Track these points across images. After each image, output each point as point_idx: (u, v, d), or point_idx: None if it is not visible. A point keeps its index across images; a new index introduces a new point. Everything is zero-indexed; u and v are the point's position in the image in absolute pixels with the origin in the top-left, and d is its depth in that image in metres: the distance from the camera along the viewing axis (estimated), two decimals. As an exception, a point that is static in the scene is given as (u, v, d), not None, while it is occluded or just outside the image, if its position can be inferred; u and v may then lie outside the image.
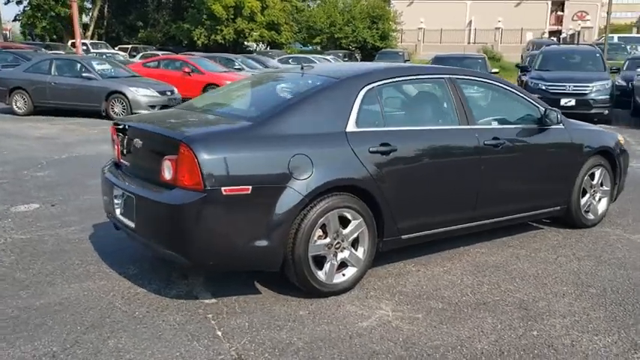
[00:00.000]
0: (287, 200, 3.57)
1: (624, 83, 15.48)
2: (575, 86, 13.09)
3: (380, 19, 39.48)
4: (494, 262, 4.59)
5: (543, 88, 13.22)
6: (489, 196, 4.60)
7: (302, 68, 4.51)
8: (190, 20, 42.96)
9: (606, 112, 13.08)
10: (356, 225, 3.88)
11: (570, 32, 47.92)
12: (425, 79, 4.66)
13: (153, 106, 13.71)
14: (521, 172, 4.83)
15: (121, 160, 4.23)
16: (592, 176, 5.40)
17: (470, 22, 51.76)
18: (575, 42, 39.21)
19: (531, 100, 5.04)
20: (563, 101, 12.77)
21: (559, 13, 60.06)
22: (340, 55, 33.84)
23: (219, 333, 3.36)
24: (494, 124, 4.74)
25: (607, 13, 25.01)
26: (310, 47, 43.26)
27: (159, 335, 3.33)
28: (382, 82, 4.22)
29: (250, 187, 3.48)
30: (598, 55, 14.90)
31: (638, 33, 45.88)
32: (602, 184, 5.52)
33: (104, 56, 23.80)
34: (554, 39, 43.78)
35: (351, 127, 3.92)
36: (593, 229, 5.44)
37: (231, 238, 3.53)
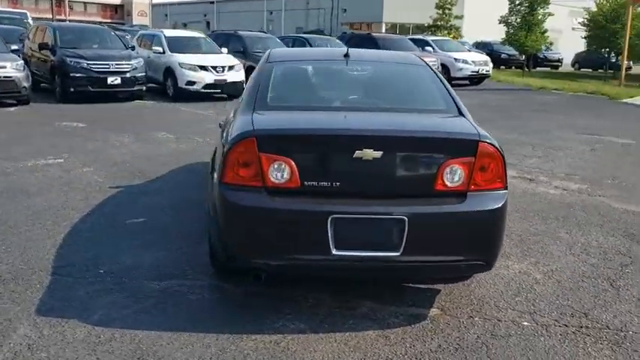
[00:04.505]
0: None
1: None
2: (117, 64, 12.92)
3: None
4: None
5: (85, 66, 12.59)
6: None
7: (346, 55, 4.35)
8: None
9: (144, 88, 13.56)
10: None
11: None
12: None
13: None
14: None
15: (304, 182, 3.22)
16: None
17: None
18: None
19: None
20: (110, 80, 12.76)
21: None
22: None
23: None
24: None
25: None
26: None
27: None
28: None
29: None
30: (113, 33, 15.02)
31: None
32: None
33: None
34: None
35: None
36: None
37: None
